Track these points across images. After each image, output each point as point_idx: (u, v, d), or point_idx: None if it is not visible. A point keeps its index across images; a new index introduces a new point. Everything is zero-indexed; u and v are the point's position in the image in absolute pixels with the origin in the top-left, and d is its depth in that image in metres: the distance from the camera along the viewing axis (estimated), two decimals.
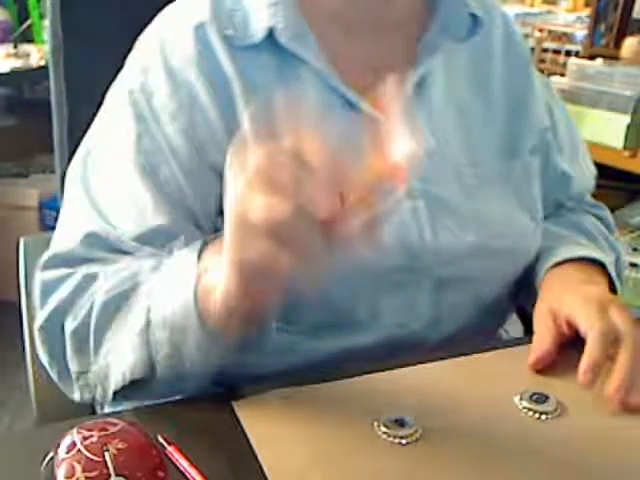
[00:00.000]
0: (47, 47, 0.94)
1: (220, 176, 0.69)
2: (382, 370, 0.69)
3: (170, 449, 0.57)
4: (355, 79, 0.73)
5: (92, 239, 0.69)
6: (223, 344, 0.61)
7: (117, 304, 0.65)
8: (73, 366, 0.68)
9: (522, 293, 0.84)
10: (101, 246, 0.69)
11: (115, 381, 0.65)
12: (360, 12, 0.75)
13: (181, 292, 0.61)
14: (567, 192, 0.89)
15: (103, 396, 0.68)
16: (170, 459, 0.56)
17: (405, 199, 0.72)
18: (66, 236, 0.71)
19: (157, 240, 0.69)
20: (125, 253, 0.69)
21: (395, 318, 0.74)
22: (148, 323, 0.62)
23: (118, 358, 0.65)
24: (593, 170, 0.93)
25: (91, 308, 0.66)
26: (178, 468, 0.56)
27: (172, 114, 0.70)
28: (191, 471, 0.55)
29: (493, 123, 0.80)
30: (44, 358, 0.71)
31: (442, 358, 0.72)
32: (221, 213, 0.71)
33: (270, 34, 0.71)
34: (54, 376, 0.71)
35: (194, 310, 0.59)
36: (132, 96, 0.72)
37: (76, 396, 0.70)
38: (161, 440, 0.57)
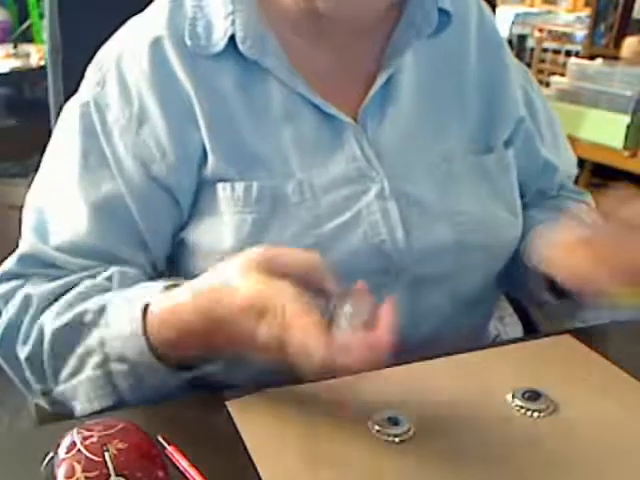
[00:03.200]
0: (46, 47, 0.94)
1: (165, 190, 0.71)
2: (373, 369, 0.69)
3: (170, 449, 0.57)
4: (321, 83, 0.73)
5: (25, 258, 0.72)
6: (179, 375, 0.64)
7: (68, 333, 0.66)
8: (36, 387, 0.70)
9: (507, 283, 0.84)
10: (33, 264, 0.72)
11: (83, 409, 0.67)
12: (319, 21, 0.73)
13: (132, 332, 0.62)
14: (551, 181, 0.89)
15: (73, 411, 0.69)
16: (170, 459, 0.56)
17: (375, 200, 0.72)
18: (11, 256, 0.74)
19: (89, 255, 0.70)
20: (57, 267, 0.71)
21: None
22: (106, 357, 0.64)
23: (81, 389, 0.66)
24: (574, 158, 0.93)
25: (41, 334, 0.67)
26: (178, 468, 0.56)
27: (122, 128, 0.71)
28: (191, 471, 0.55)
29: (468, 117, 0.79)
30: (10, 374, 0.72)
31: (436, 356, 0.72)
32: (175, 228, 0.73)
33: (233, 42, 0.71)
34: (23, 390, 0.72)
35: (148, 352, 0.62)
36: (84, 109, 0.72)
37: (48, 408, 0.71)
38: (161, 440, 0.58)
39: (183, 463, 0.56)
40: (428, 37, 0.77)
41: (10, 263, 0.73)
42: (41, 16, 2.57)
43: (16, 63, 2.38)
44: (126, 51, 0.72)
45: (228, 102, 0.71)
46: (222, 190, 0.70)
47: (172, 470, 0.54)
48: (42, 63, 2.35)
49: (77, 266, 0.70)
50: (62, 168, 0.73)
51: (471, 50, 0.80)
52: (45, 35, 0.95)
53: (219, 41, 0.70)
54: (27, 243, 0.73)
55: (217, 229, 0.71)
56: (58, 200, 0.73)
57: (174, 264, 0.75)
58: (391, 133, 0.75)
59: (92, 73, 0.74)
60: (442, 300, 0.77)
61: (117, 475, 0.49)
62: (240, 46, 0.70)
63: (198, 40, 0.71)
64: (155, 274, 0.74)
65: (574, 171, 0.93)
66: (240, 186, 0.70)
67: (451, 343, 0.77)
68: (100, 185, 0.70)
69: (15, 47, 2.51)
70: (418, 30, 0.75)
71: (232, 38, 0.70)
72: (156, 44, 0.71)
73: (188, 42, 0.70)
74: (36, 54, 2.43)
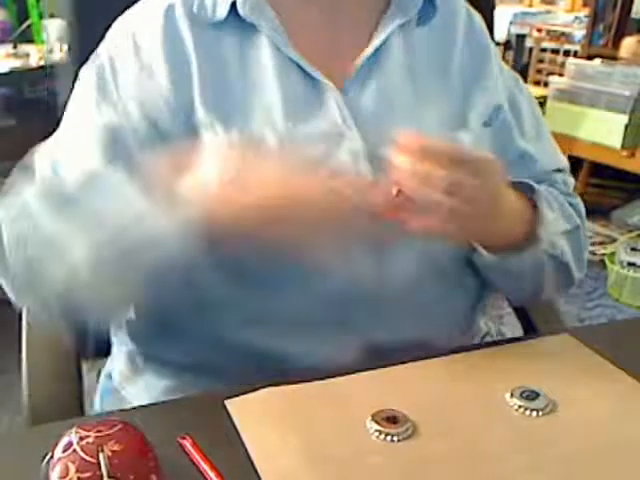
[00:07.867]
0: (47, 47, 0.95)
1: (164, 139, 0.74)
2: (372, 368, 0.70)
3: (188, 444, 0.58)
4: (312, 49, 0.78)
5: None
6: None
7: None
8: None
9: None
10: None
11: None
12: None
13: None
14: (528, 173, 0.88)
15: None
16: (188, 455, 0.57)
17: (349, 159, 0.74)
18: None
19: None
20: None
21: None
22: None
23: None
24: (561, 157, 0.93)
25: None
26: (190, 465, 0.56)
27: (132, 85, 0.76)
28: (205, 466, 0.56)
29: (448, 104, 0.82)
30: None
31: (435, 356, 0.72)
32: None
33: (234, 11, 0.76)
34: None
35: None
36: (100, 67, 0.78)
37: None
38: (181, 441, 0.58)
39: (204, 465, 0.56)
40: (417, 25, 0.82)
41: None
42: (41, 16, 2.57)
43: (16, 63, 2.39)
44: (142, 18, 0.79)
45: (225, 64, 0.77)
46: (206, 138, 0.74)
47: (172, 471, 0.55)
48: (42, 63, 2.36)
49: None
50: (78, 115, 0.78)
51: (458, 46, 0.84)
52: (45, 35, 0.95)
53: (222, 10, 0.77)
54: (42, 171, 0.74)
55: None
56: (71, 141, 0.77)
57: None
58: (370, 100, 0.78)
59: (109, 37, 0.80)
60: (409, 263, 0.76)
61: (110, 477, 0.49)
62: (240, 10, 0.76)
63: (205, 10, 0.77)
64: None
65: (562, 165, 0.93)
66: (221, 131, 0.74)
67: (431, 330, 0.77)
68: (110, 129, 0.74)
69: (15, 47, 2.51)
70: (405, 13, 0.81)
71: (234, 6, 0.76)
72: (169, 10, 0.77)
73: (195, 11, 0.77)
74: (36, 54, 2.43)
